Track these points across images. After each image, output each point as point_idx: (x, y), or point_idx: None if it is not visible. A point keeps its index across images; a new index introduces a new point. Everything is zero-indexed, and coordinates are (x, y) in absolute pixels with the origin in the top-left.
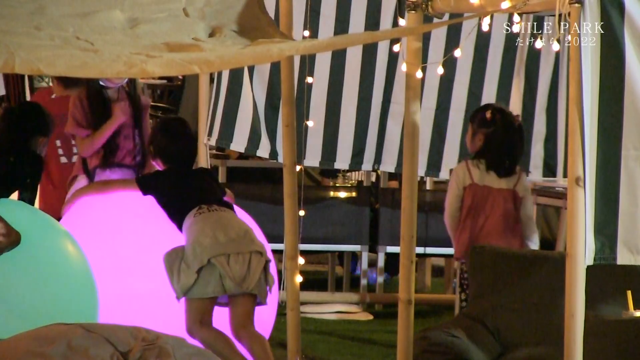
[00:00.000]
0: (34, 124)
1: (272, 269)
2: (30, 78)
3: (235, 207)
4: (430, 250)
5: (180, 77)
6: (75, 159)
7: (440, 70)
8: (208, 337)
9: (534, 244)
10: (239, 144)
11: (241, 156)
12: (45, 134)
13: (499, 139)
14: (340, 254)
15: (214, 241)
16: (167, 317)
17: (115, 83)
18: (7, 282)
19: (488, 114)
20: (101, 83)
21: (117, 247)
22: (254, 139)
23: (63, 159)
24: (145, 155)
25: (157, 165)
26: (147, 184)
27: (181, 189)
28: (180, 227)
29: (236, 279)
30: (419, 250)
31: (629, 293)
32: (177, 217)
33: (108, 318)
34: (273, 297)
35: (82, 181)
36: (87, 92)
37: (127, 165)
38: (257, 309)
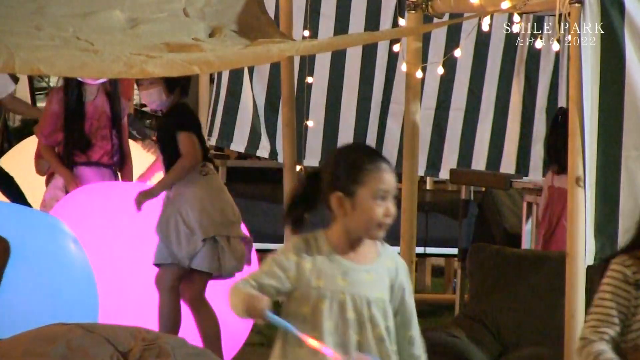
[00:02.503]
0: None
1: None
2: (31, 78)
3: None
4: (430, 250)
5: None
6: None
7: (440, 70)
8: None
9: None
10: (239, 144)
11: (240, 156)
12: None
13: None
14: None
15: (222, 219)
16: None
17: (94, 81)
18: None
19: None
20: (79, 79)
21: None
22: (254, 139)
23: None
24: (123, 155)
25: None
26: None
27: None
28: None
29: (233, 261)
30: (419, 250)
31: None
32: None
33: (106, 317)
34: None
35: (59, 178)
36: (65, 90)
37: (105, 165)
38: None
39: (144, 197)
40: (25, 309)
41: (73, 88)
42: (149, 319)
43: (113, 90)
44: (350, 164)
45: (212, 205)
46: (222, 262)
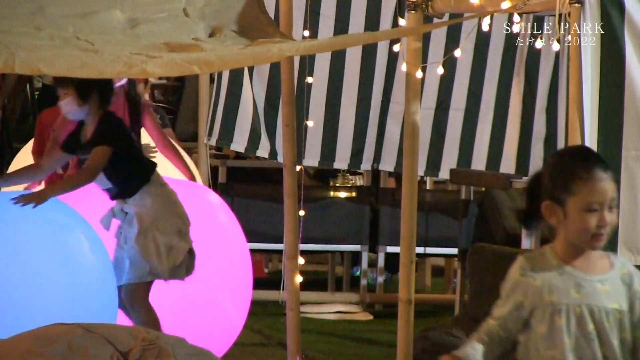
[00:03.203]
0: None
1: None
2: (31, 78)
3: None
4: (430, 250)
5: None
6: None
7: (440, 70)
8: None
9: None
10: (239, 143)
11: (238, 156)
12: None
13: None
14: (341, 253)
15: (187, 227)
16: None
17: (115, 83)
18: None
19: None
20: None
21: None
22: (254, 139)
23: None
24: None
25: None
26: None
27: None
28: (130, 185)
29: (189, 269)
30: (419, 250)
31: None
32: (141, 174)
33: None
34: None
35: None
36: None
37: None
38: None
39: (27, 199)
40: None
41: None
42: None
43: (132, 90)
44: (562, 171)
45: (180, 213)
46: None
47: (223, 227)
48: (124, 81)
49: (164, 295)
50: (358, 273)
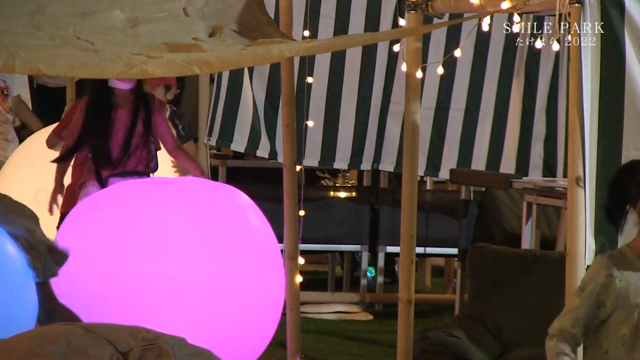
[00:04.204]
0: None
1: None
2: (31, 79)
3: None
4: (430, 250)
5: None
6: None
7: (440, 70)
8: None
9: None
10: (239, 143)
11: (236, 155)
12: None
13: None
14: (341, 253)
15: None
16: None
17: (126, 84)
18: None
19: None
20: (110, 85)
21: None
22: (254, 139)
23: None
24: (156, 160)
25: None
26: None
27: None
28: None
29: None
30: (419, 250)
31: None
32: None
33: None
34: (278, 299)
35: (91, 187)
36: (90, 99)
37: (141, 173)
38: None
39: None
40: None
41: (101, 95)
42: (150, 319)
43: (141, 90)
44: None
45: None
46: None
47: (254, 228)
48: (133, 84)
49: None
50: (372, 273)
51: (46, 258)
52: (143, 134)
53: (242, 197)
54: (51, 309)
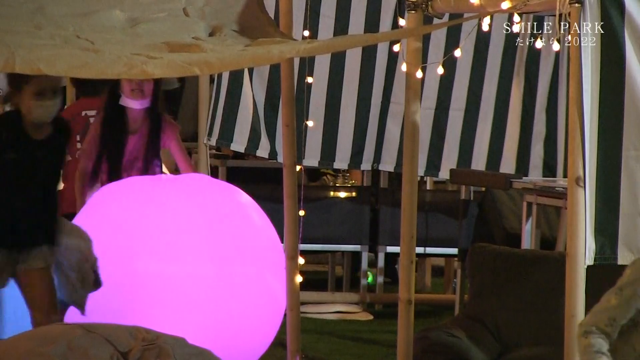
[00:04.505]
0: None
1: None
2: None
3: None
4: (430, 250)
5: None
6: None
7: (440, 70)
8: None
9: None
10: (239, 143)
11: (236, 155)
12: None
13: None
14: (342, 253)
15: None
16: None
17: (139, 102)
18: None
19: None
20: (121, 104)
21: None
22: (254, 139)
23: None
24: None
25: None
26: None
27: None
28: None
29: None
30: (419, 250)
31: None
32: None
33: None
34: (280, 299)
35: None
36: (104, 118)
37: None
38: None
39: None
40: None
41: (115, 115)
42: (150, 319)
43: (154, 112)
44: None
45: None
46: None
47: (257, 227)
48: (147, 103)
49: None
50: (371, 280)
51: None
52: (148, 157)
53: (244, 196)
54: None
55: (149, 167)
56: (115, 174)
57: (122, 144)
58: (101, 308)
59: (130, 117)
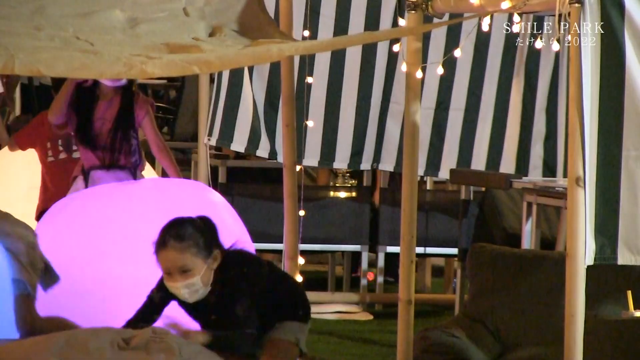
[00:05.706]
0: None
1: None
2: (31, 80)
3: None
4: (430, 250)
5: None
6: (62, 156)
7: (440, 70)
8: None
9: None
10: (239, 143)
11: (238, 156)
12: None
13: None
14: (341, 253)
15: None
16: None
17: (113, 83)
18: None
19: None
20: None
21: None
22: (254, 139)
23: (50, 159)
24: (141, 155)
25: None
26: None
27: None
28: None
29: None
30: (419, 250)
31: (629, 293)
32: None
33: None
34: None
35: (79, 182)
36: (77, 84)
37: (122, 166)
38: None
39: None
40: None
41: (88, 84)
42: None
43: (127, 86)
44: None
45: None
46: None
47: (228, 226)
48: (123, 82)
49: None
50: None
51: (43, 274)
52: (123, 127)
53: (215, 195)
54: (32, 325)
55: (124, 137)
56: (83, 132)
57: (90, 102)
58: (72, 310)
59: (102, 85)
